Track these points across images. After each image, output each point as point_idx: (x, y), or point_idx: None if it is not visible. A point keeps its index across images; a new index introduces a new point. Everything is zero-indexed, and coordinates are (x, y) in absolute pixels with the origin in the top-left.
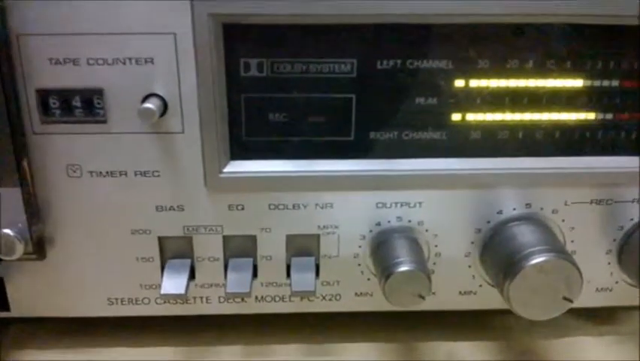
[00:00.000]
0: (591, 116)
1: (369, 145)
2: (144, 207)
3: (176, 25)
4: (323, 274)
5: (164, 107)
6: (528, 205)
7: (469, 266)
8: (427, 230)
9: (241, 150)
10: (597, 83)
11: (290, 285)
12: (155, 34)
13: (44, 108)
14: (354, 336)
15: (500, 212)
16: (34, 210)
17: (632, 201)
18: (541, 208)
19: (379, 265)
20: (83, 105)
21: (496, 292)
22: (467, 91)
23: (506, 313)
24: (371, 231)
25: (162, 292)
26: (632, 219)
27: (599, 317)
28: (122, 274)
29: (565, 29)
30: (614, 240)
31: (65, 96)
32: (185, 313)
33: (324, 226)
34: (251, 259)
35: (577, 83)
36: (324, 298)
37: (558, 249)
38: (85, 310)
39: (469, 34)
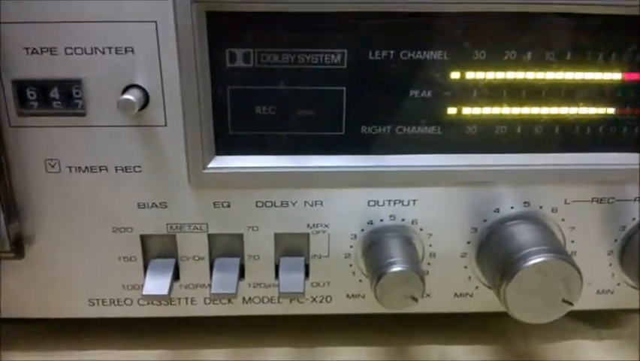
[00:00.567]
0: (592, 110)
1: (361, 140)
2: (125, 204)
3: (157, 13)
4: (313, 274)
5: (146, 98)
6: (526, 203)
7: (465, 267)
8: (421, 229)
9: (226, 144)
10: (598, 76)
11: (278, 286)
12: (135, 23)
13: (21, 100)
14: (345, 339)
15: (497, 210)
16: (12, 207)
17: (635, 200)
18: (540, 207)
19: (371, 266)
20: (62, 97)
21: (493, 294)
22: (463, 84)
23: (503, 315)
24: (363, 230)
25: (144, 292)
26: (634, 219)
27: (600, 320)
28: (104, 274)
29: (565, 19)
30: (616, 240)
31: (43, 87)
32: (169, 314)
33: (313, 225)
34: (238, 259)
35: (577, 75)
36: (314, 299)
37: (557, 249)
38: (66, 311)
39: (465, 23)
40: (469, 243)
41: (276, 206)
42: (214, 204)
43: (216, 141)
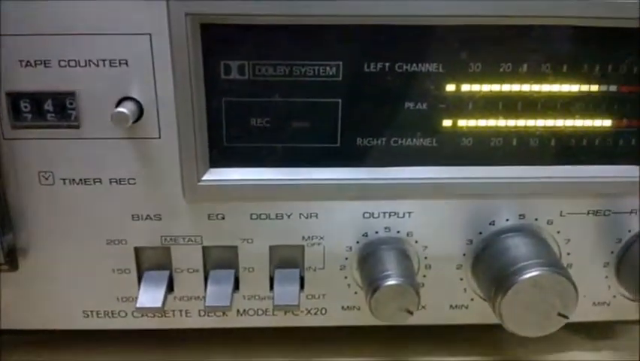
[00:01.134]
0: (588, 122)
1: (356, 152)
2: (120, 216)
3: (151, 25)
4: (308, 286)
5: (140, 111)
6: (522, 216)
7: (461, 279)
8: (416, 241)
9: (221, 157)
10: (594, 88)
11: (273, 298)
12: (129, 35)
13: (15, 112)
14: (341, 351)
15: (493, 223)
16: (5, 219)
17: (630, 213)
18: (536, 219)
19: (366, 279)
20: (55, 109)
21: (488, 306)
22: (459, 96)
23: (498, 327)
24: (358, 242)
25: (138, 305)
26: (630, 231)
27: (596, 332)
28: (98, 286)
29: (561, 32)
30: (612, 252)
31: (37, 99)
32: (163, 327)
33: (308, 237)
34: (232, 271)
35: (573, 88)
36: (309, 312)
37: (553, 263)
38: (60, 323)
39: (460, 36)
40: (464, 255)
41: (270, 218)
42: (208, 216)
43: (211, 154)
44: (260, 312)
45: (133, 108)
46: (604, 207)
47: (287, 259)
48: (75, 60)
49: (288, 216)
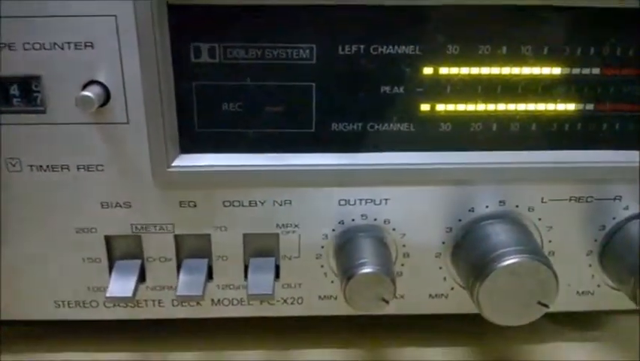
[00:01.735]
0: (570, 106)
1: (331, 137)
2: (88, 204)
3: (116, 6)
4: (284, 275)
5: (107, 95)
6: (502, 202)
7: (440, 268)
8: (394, 229)
9: (192, 142)
10: (576, 70)
11: (247, 287)
12: (94, 17)
13: None
14: (319, 341)
15: (472, 210)
16: None
17: (614, 199)
18: (517, 206)
19: (341, 267)
20: (21, 94)
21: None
22: (436, 79)
23: (479, 316)
24: (334, 230)
25: (108, 294)
26: (614, 218)
27: (581, 322)
28: (69, 276)
29: (542, 12)
30: (596, 240)
31: (2, 84)
32: (135, 317)
33: (283, 225)
34: (206, 260)
35: (554, 70)
36: (285, 301)
37: (532, 250)
38: (32, 314)
39: (438, 16)
40: (443, 243)
41: (244, 205)
42: (180, 203)
43: (181, 139)
44: (235, 302)
45: (99, 92)
46: (586, 194)
47: (262, 248)
48: (39, 43)
49: (262, 204)
